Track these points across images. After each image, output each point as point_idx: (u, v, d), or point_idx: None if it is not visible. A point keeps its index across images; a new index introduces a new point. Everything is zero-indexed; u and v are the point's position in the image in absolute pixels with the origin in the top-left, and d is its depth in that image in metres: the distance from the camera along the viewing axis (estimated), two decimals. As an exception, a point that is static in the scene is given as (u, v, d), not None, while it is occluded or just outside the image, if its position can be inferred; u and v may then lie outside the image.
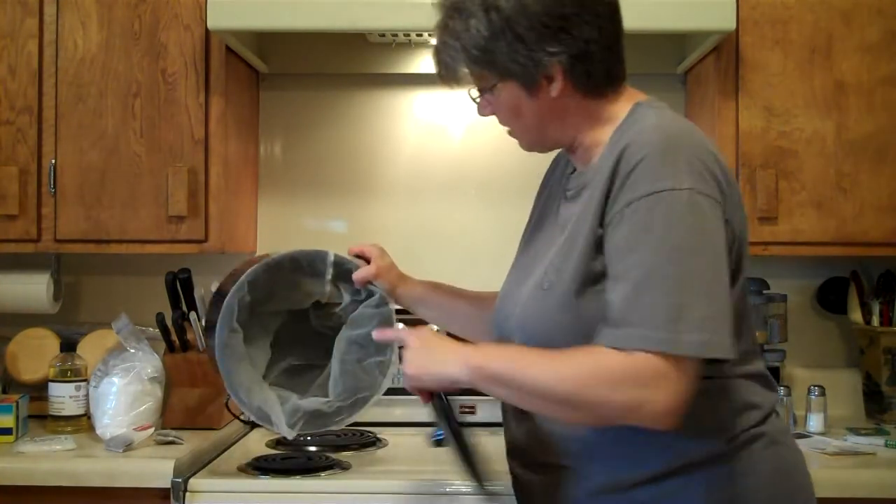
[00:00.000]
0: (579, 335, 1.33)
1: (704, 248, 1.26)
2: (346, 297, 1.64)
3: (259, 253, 2.63)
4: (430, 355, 1.41)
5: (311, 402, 1.62)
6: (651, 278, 1.24)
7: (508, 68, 1.40)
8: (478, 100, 1.49)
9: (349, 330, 1.62)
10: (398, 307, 1.70)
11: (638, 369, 1.22)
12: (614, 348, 1.24)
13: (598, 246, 1.33)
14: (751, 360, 1.41)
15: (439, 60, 1.47)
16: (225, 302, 1.57)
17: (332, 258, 1.62)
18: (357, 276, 1.63)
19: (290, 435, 1.60)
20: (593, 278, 1.33)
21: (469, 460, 1.45)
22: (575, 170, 1.51)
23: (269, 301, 1.63)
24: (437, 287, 1.80)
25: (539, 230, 1.56)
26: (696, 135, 1.37)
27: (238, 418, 2.32)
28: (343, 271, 1.63)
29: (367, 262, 1.67)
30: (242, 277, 1.58)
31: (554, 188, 1.57)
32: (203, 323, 2.27)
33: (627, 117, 1.41)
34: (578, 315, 1.34)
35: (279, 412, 1.59)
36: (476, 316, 1.71)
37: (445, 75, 1.47)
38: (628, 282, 1.26)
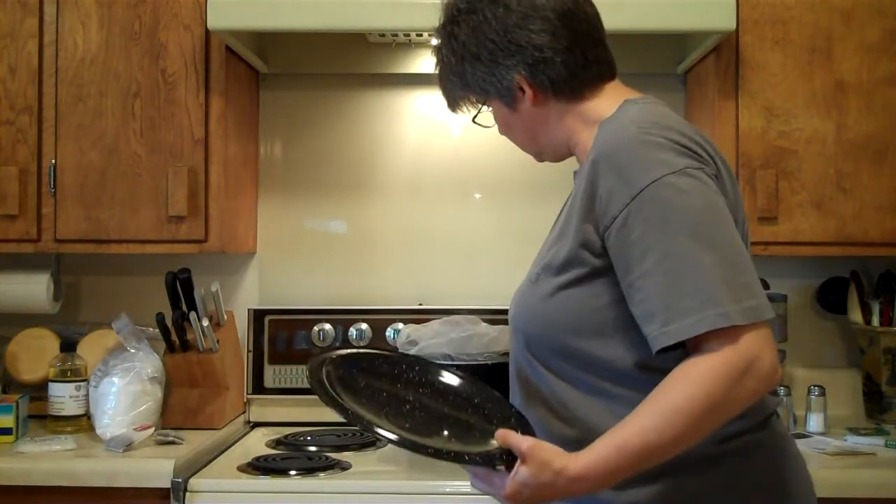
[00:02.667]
0: (566, 327, 1.34)
1: (720, 218, 1.26)
2: None
3: (259, 253, 2.63)
4: (539, 492, 1.26)
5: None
6: (684, 264, 1.23)
7: (483, 88, 1.46)
8: (478, 123, 1.55)
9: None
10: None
11: (728, 359, 1.20)
12: (679, 342, 1.22)
13: (583, 241, 1.33)
14: None
15: (441, 90, 1.55)
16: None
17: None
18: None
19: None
20: (578, 272, 1.34)
21: None
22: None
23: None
24: None
25: (550, 231, 1.55)
26: (677, 121, 1.37)
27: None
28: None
29: None
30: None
31: None
32: (204, 322, 2.27)
33: (613, 115, 1.40)
34: (563, 306, 1.35)
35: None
36: None
37: (447, 103, 1.55)
38: (663, 274, 1.24)
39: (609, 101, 1.43)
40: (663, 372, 1.24)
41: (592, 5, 1.48)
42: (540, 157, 1.57)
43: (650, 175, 1.26)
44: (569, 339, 1.35)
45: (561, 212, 1.51)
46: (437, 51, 1.52)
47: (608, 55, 1.48)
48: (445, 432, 1.38)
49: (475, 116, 1.54)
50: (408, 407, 1.44)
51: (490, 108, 1.51)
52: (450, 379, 1.54)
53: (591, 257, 1.33)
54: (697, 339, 1.21)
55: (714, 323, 1.20)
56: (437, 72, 1.53)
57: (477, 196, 2.64)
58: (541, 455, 1.24)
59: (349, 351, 1.56)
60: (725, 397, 1.20)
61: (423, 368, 1.55)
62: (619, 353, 1.33)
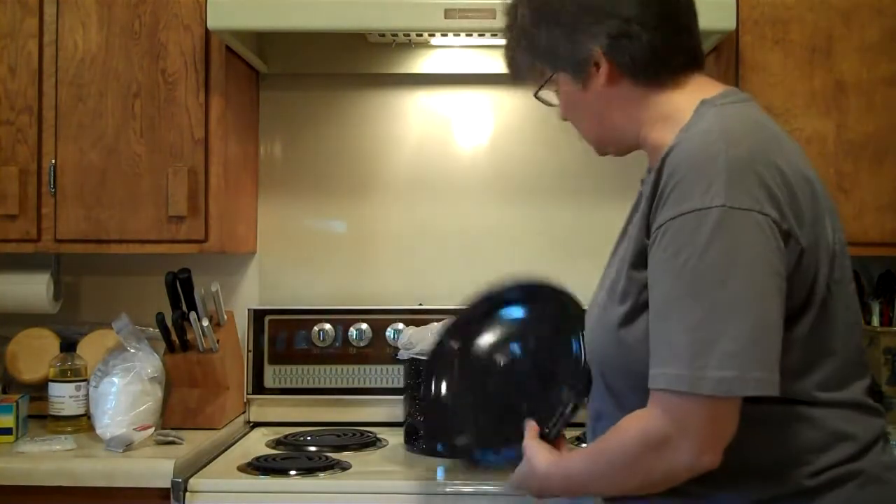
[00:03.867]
0: (624, 364, 1.26)
1: (736, 274, 1.12)
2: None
3: (259, 253, 2.63)
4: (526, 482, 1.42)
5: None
6: (674, 310, 1.14)
7: (555, 56, 1.34)
8: (541, 98, 1.42)
9: None
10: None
11: (646, 428, 1.16)
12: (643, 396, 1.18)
13: (640, 265, 1.23)
14: (843, 386, 1.26)
15: (505, 58, 1.43)
16: None
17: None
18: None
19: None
20: (634, 302, 1.23)
21: None
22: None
23: None
24: None
25: (619, 240, 1.41)
26: (753, 139, 1.21)
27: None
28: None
29: None
30: None
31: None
32: (204, 322, 2.27)
33: (691, 119, 1.27)
34: (620, 340, 1.25)
35: None
36: None
37: (510, 72, 1.43)
38: (655, 314, 1.17)
39: (688, 97, 1.30)
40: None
41: None
42: (602, 149, 1.43)
43: (683, 205, 1.14)
44: (625, 372, 1.27)
45: (629, 215, 1.39)
46: (512, 8, 1.38)
47: (696, 44, 1.35)
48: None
49: (538, 90, 1.40)
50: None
51: (556, 83, 1.37)
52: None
53: (643, 280, 1.23)
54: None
55: (672, 384, 1.13)
56: (505, 33, 1.41)
57: (477, 196, 2.63)
58: (528, 452, 1.40)
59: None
60: (635, 462, 1.19)
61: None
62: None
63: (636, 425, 1.19)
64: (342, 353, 2.49)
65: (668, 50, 1.31)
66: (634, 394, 1.22)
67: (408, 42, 2.51)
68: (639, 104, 1.33)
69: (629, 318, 1.24)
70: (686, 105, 1.29)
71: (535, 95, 1.42)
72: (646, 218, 1.22)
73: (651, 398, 1.17)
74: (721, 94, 1.31)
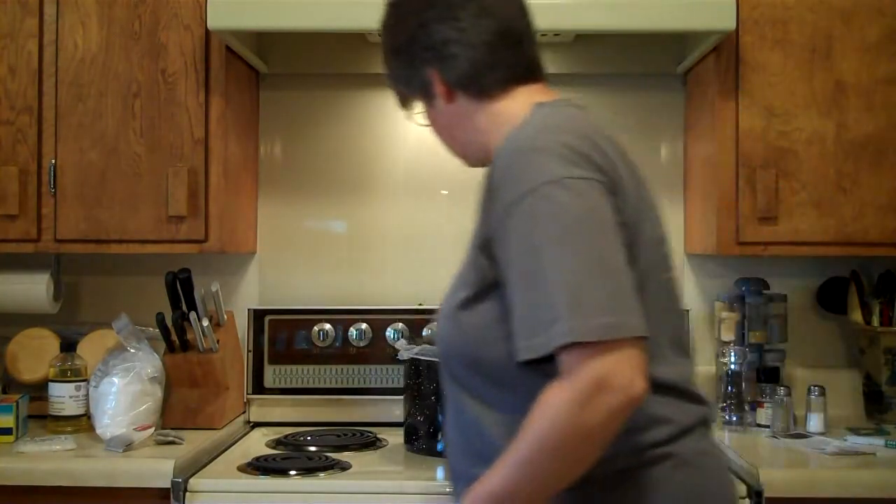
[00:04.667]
0: (462, 348, 1.31)
1: (593, 230, 1.20)
2: None
3: (259, 253, 2.63)
4: None
5: None
6: (543, 278, 1.18)
7: (407, 83, 1.49)
8: (418, 122, 1.54)
9: None
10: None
11: (572, 384, 1.14)
12: (532, 359, 1.19)
13: (476, 255, 1.31)
14: (659, 370, 1.27)
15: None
16: None
17: None
18: None
19: None
20: (475, 291, 1.31)
21: None
22: None
23: None
24: None
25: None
26: (580, 124, 1.32)
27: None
28: None
29: None
30: None
31: None
32: (204, 322, 2.27)
33: (524, 119, 1.36)
34: (459, 324, 1.32)
35: None
36: None
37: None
38: (525, 289, 1.20)
39: (520, 103, 1.40)
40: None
41: (515, 4, 1.45)
42: (468, 162, 1.54)
43: (527, 184, 1.22)
44: (464, 360, 1.32)
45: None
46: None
47: (526, 56, 1.45)
48: None
49: (411, 114, 1.54)
50: None
51: (414, 106, 1.51)
52: None
53: (488, 269, 1.30)
54: (557, 352, 1.16)
55: (562, 339, 1.15)
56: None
57: (476, 197, 2.63)
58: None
59: None
60: (574, 424, 1.15)
61: None
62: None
63: (551, 395, 1.16)
64: (342, 353, 2.49)
65: (492, 65, 1.41)
66: (472, 378, 1.33)
67: (408, 42, 2.51)
68: (476, 116, 1.44)
69: (469, 303, 1.32)
70: (519, 110, 1.39)
71: (413, 118, 1.54)
72: (485, 209, 1.32)
73: (560, 363, 1.17)
74: (556, 100, 1.42)
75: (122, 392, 2.17)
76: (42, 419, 2.29)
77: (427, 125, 1.53)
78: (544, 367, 1.19)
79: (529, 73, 1.45)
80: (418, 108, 1.51)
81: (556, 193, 1.21)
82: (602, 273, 1.18)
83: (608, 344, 1.14)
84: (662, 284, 1.35)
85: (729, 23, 2.13)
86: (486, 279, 1.31)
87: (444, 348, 1.39)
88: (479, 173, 2.74)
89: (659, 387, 1.27)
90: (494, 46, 1.41)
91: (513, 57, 1.43)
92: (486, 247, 1.31)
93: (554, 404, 1.16)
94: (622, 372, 1.14)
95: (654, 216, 1.37)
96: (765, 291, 2.46)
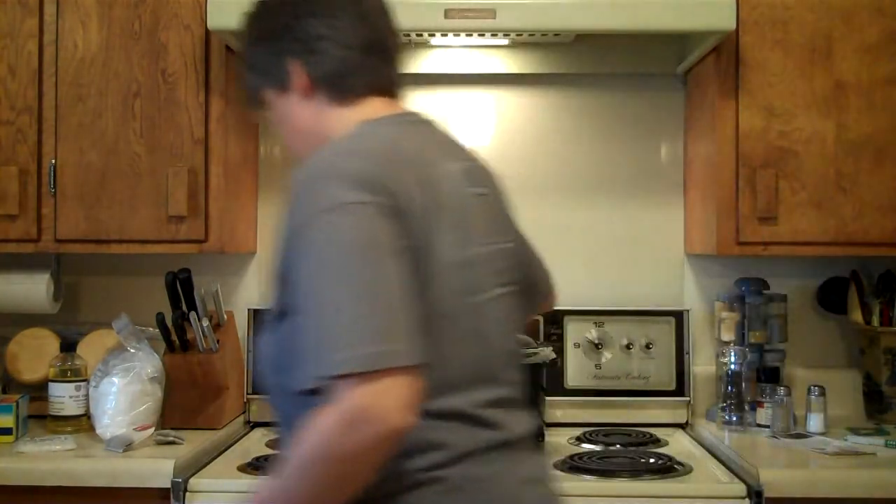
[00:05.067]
0: (277, 370, 1.31)
1: (366, 258, 1.19)
2: None
3: (259, 253, 2.63)
4: None
5: None
6: (317, 307, 1.18)
7: (264, 72, 1.45)
8: (263, 117, 1.52)
9: None
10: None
11: (332, 411, 1.13)
12: (308, 391, 1.19)
13: (278, 273, 1.29)
14: (444, 396, 1.26)
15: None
16: None
17: None
18: None
19: None
20: (279, 310, 1.30)
21: None
22: None
23: None
24: None
25: None
26: (371, 145, 1.31)
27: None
28: None
29: None
30: None
31: None
32: (204, 322, 2.27)
33: (342, 136, 1.36)
34: (275, 345, 1.32)
35: None
36: None
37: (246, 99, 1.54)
38: (305, 316, 1.20)
39: (356, 116, 1.40)
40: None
41: (387, 17, 1.46)
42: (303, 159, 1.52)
43: (306, 212, 1.22)
44: (278, 377, 1.32)
45: None
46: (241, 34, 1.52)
47: (390, 71, 1.46)
48: None
49: (257, 107, 1.50)
50: None
51: (268, 100, 1.47)
52: None
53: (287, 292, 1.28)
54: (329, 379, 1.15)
55: (328, 370, 1.14)
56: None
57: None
58: None
59: None
60: (334, 450, 1.14)
61: None
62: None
63: (318, 420, 1.16)
64: (342, 353, 2.48)
65: (359, 70, 1.42)
66: (278, 396, 1.33)
67: (408, 42, 2.51)
68: (324, 116, 1.43)
69: (272, 325, 1.31)
70: (348, 123, 1.38)
71: (255, 112, 1.52)
72: (281, 229, 1.28)
73: (331, 387, 1.15)
74: (392, 115, 1.41)
75: (122, 392, 2.17)
76: (42, 419, 2.29)
77: (273, 118, 1.50)
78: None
79: (388, 86, 1.46)
80: (267, 105, 1.49)
81: (331, 220, 1.20)
82: (371, 301, 1.17)
83: (372, 375, 1.13)
84: (464, 309, 1.31)
85: (729, 23, 2.13)
86: (282, 301, 1.30)
87: (263, 360, 1.38)
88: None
89: (441, 414, 1.26)
90: (365, 53, 1.42)
91: (379, 68, 1.44)
92: (282, 263, 1.28)
93: (318, 429, 1.16)
94: (381, 403, 1.13)
95: (461, 238, 1.31)
96: (765, 291, 2.46)
